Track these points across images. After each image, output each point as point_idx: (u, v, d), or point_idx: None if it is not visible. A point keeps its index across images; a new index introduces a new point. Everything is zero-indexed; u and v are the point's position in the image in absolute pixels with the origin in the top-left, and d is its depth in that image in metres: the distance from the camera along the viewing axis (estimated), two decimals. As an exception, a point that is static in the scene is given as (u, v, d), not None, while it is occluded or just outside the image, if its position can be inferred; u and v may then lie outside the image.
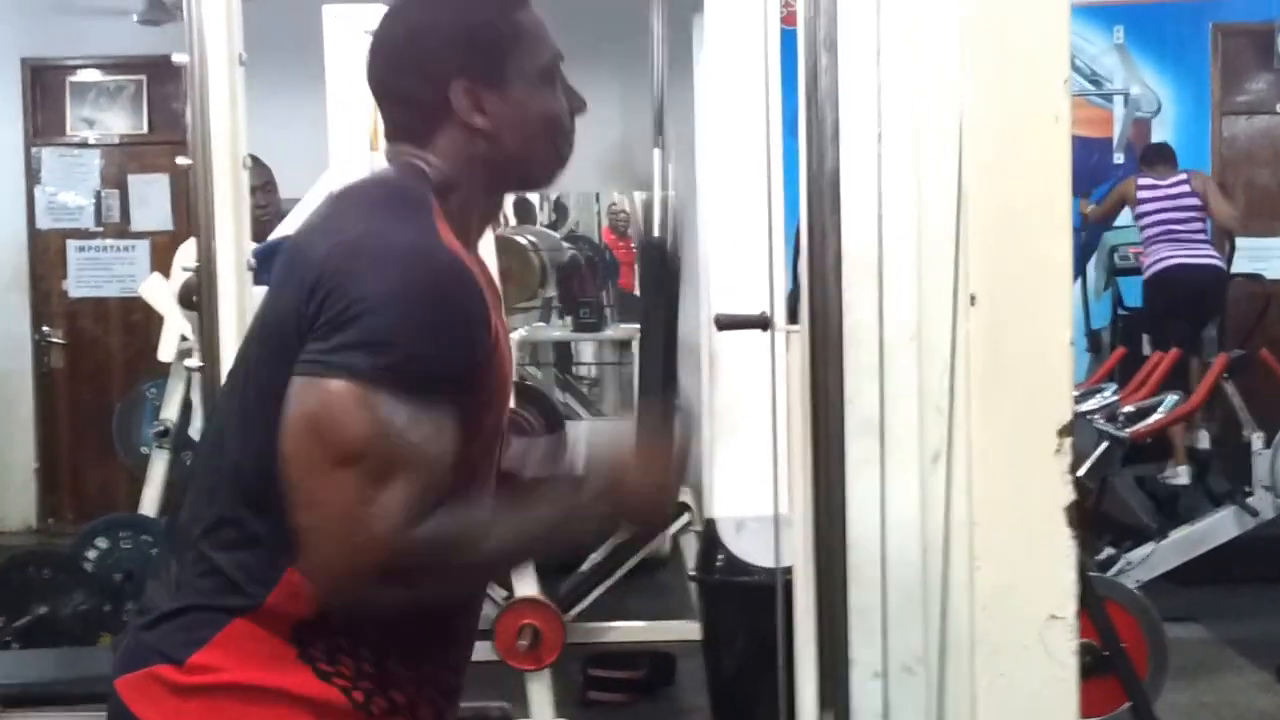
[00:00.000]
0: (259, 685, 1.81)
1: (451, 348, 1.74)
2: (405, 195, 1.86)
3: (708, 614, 5.59)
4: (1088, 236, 8.37)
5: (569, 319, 8.22)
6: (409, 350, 1.71)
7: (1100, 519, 5.87)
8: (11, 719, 4.42)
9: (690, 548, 6.38)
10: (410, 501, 1.68)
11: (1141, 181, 8.00)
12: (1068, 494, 1.86)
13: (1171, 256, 7.74)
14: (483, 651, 5.20)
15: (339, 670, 1.83)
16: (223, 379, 2.15)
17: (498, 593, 5.60)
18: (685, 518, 6.38)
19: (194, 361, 3.90)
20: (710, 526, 5.28)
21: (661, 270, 1.89)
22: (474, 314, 1.78)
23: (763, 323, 3.66)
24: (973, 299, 1.83)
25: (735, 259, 4.81)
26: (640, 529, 1.91)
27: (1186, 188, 7.86)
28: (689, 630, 5.92)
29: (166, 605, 1.88)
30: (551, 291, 8.30)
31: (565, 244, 8.51)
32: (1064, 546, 1.84)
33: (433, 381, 1.72)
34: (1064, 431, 1.84)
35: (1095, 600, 4.63)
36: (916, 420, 2.15)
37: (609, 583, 6.66)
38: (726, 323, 3.67)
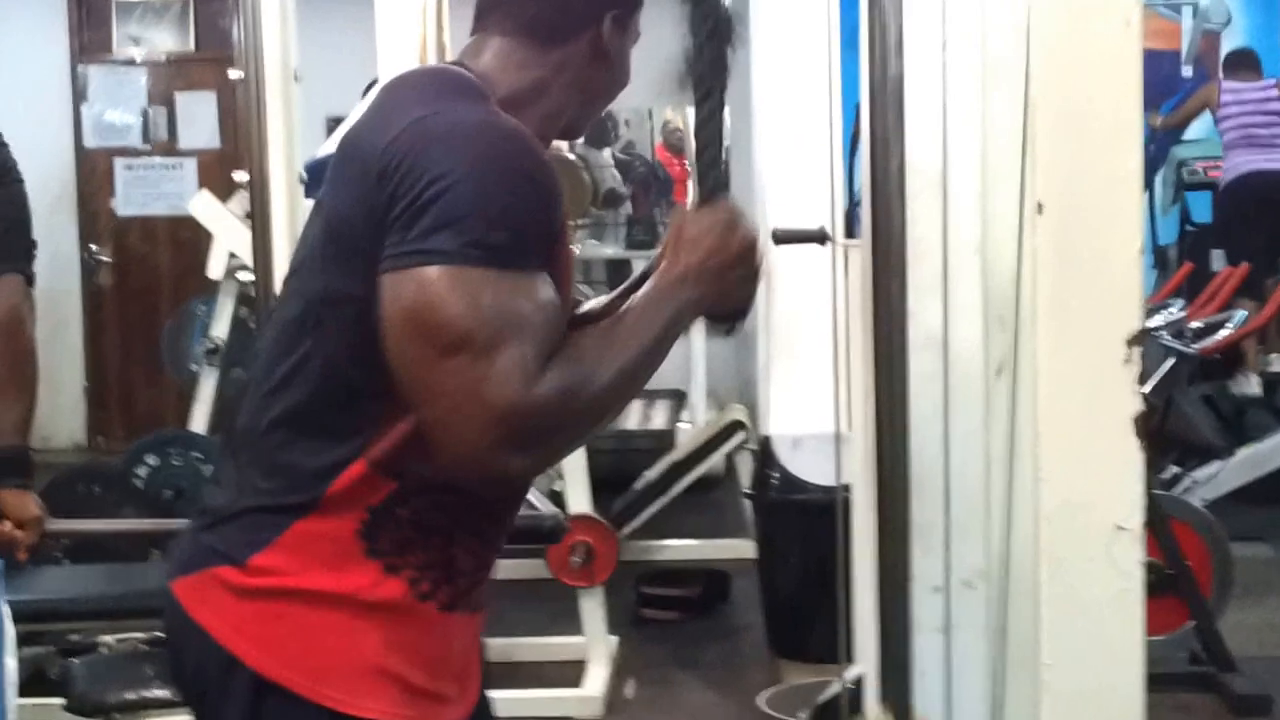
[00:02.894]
0: (321, 590, 1.82)
1: (534, 214, 1.74)
2: (463, 80, 1.86)
3: (763, 532, 5.62)
4: (1155, 151, 8.29)
5: (622, 236, 8.21)
6: (494, 221, 1.70)
7: (1166, 438, 5.85)
8: (63, 634, 4.50)
9: (745, 466, 6.42)
10: (525, 365, 1.68)
11: (1226, 85, 7.89)
12: (1136, 404, 1.86)
13: (1251, 162, 7.63)
14: (535, 569, 5.25)
15: (407, 560, 1.83)
16: (275, 291, 2.18)
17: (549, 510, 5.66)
18: (740, 436, 6.40)
19: (246, 275, 3.94)
20: (766, 445, 5.31)
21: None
22: (550, 183, 1.78)
23: (821, 237, 3.66)
24: (1040, 208, 1.82)
25: (792, 173, 4.80)
26: (731, 305, 1.90)
27: (1275, 92, 7.73)
28: (744, 548, 5.97)
29: (226, 508, 1.89)
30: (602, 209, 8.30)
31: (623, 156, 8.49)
32: (1131, 457, 1.84)
33: (522, 248, 1.71)
34: (1133, 341, 1.84)
35: (1160, 518, 4.63)
36: (980, 334, 2.15)
37: (663, 501, 6.70)
38: (784, 237, 3.68)
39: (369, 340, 1.74)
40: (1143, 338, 1.84)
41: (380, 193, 1.74)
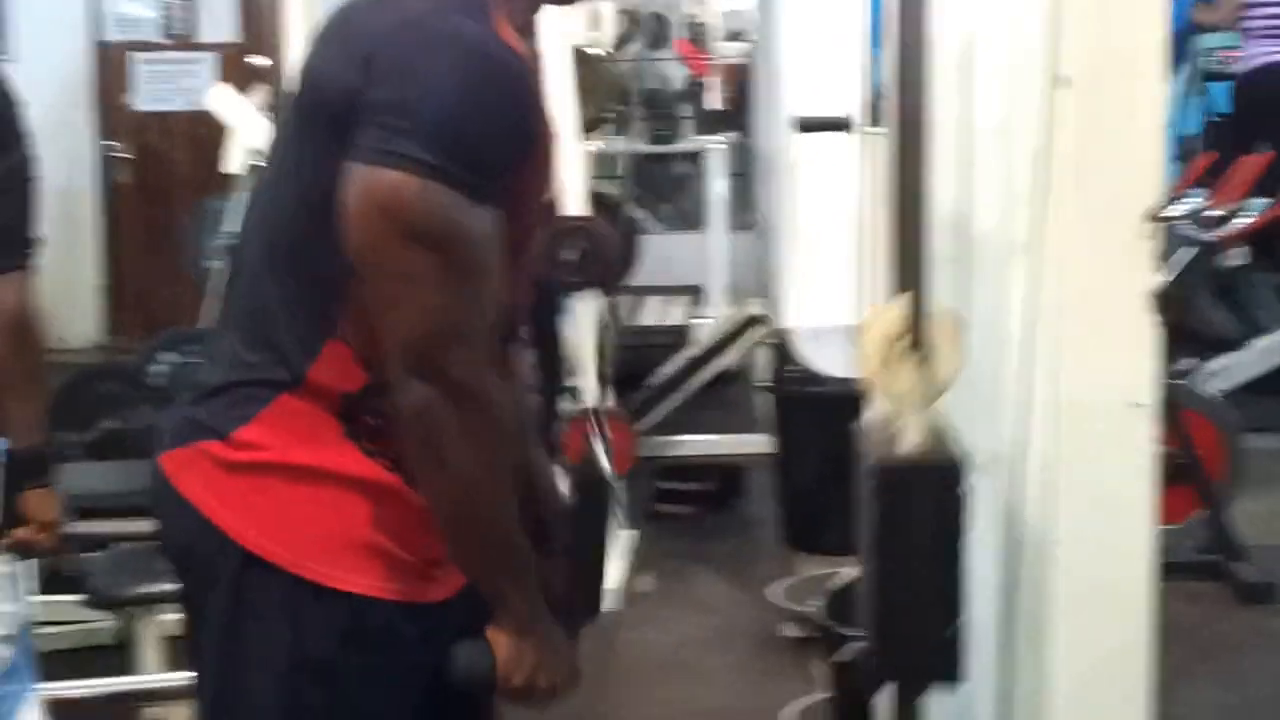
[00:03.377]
0: (304, 465, 1.83)
1: (502, 143, 1.75)
2: None
3: (779, 426, 5.62)
4: (1177, 40, 8.17)
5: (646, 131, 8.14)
6: (462, 143, 1.71)
7: (1181, 329, 5.81)
8: (82, 528, 4.50)
9: (763, 361, 6.39)
10: (456, 300, 1.72)
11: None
12: (1154, 280, 1.83)
13: (1270, 54, 7.50)
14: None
15: (382, 449, 1.83)
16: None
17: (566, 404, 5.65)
18: (758, 330, 6.37)
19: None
20: (784, 338, 5.29)
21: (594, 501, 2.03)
22: (531, 116, 1.79)
23: (845, 125, 3.61)
24: (1066, 81, 1.79)
25: (816, 62, 4.75)
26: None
27: None
28: (759, 444, 5.95)
29: (213, 381, 1.89)
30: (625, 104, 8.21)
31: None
32: (1147, 334, 1.82)
33: (483, 175, 1.73)
34: (1153, 217, 1.81)
35: (1173, 408, 4.60)
36: (1001, 215, 2.12)
37: (680, 396, 6.69)
38: (808, 125, 3.64)
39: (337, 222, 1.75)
40: (1162, 213, 1.81)
41: (363, 75, 1.74)
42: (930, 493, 1.86)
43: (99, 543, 4.16)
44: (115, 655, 4.07)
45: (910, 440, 1.87)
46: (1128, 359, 1.84)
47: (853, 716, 2.87)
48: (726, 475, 6.11)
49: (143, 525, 3.96)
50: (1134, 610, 1.97)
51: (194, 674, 1.94)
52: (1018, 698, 2.05)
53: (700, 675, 4.45)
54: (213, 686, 1.90)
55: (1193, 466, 4.85)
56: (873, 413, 1.99)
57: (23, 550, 2.84)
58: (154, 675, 3.62)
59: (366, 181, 1.71)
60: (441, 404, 1.73)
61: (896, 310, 1.91)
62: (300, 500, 1.83)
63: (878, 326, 1.92)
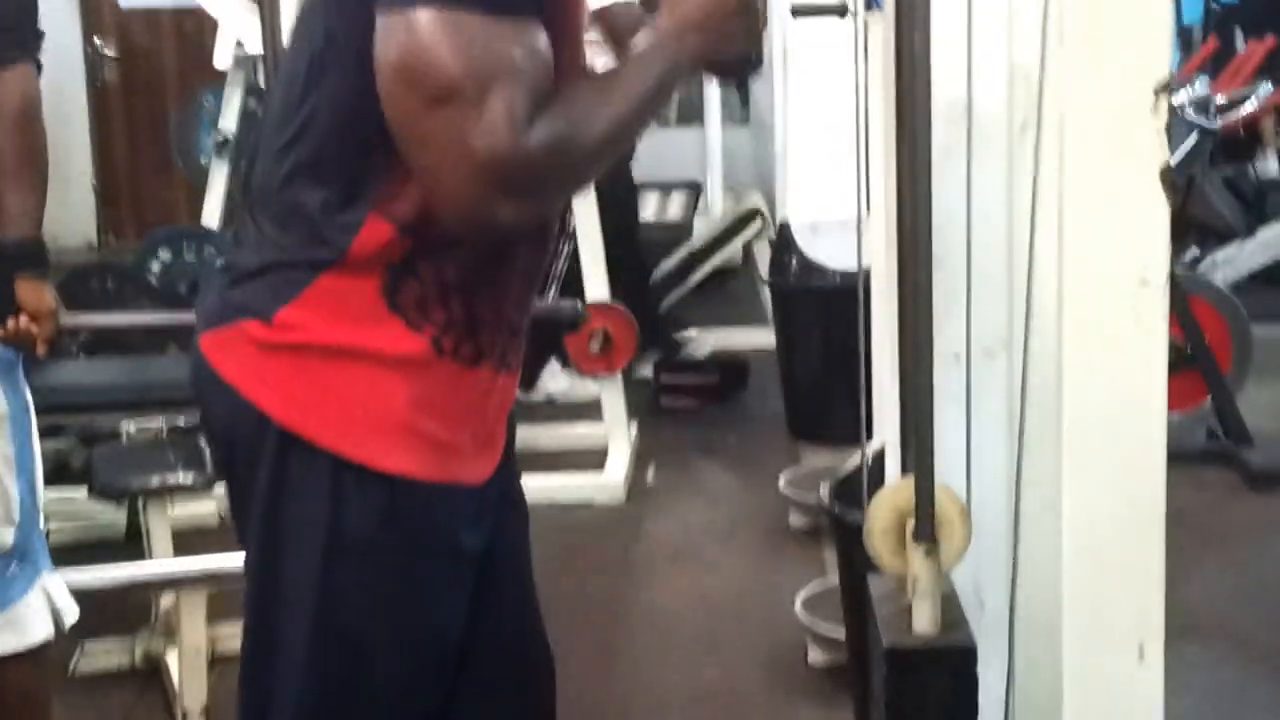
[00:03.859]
0: (346, 346, 1.83)
1: None
2: None
3: (781, 319, 5.65)
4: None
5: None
6: None
7: (1188, 219, 5.84)
8: (84, 421, 4.56)
9: (763, 255, 6.42)
10: (515, 114, 1.68)
11: None
12: (1163, 155, 1.85)
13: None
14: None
15: (429, 318, 1.85)
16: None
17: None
18: (758, 224, 6.40)
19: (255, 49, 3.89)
20: (784, 231, 5.30)
21: None
22: None
23: (841, 9, 3.60)
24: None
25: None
26: (734, 56, 1.90)
27: None
28: (762, 338, 6.00)
29: (251, 263, 1.89)
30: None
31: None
32: (1157, 210, 1.83)
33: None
34: (1161, 89, 1.83)
35: (1180, 296, 4.64)
36: (1005, 94, 2.12)
37: (681, 291, 6.74)
38: (802, 10, 3.62)
39: (373, 87, 1.73)
40: (1170, 84, 1.83)
41: None
42: (942, 677, 1.87)
43: (105, 436, 4.22)
44: (124, 550, 4.14)
45: (921, 622, 1.90)
46: (1136, 236, 1.85)
47: (863, 596, 2.92)
48: (729, 369, 6.15)
49: (146, 419, 4.05)
50: (1144, 493, 2.00)
51: (242, 553, 1.96)
52: (1026, 584, 2.08)
53: (710, 565, 4.52)
54: (257, 566, 1.92)
55: (1200, 354, 4.90)
56: (882, 587, 2.03)
57: (19, 340, 2.87)
58: (165, 563, 3.68)
59: (388, 32, 1.69)
60: (527, 202, 1.73)
61: (903, 493, 1.95)
62: (342, 380, 1.84)
63: (885, 509, 1.96)
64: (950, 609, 1.88)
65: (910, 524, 1.90)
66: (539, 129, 1.69)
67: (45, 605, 2.94)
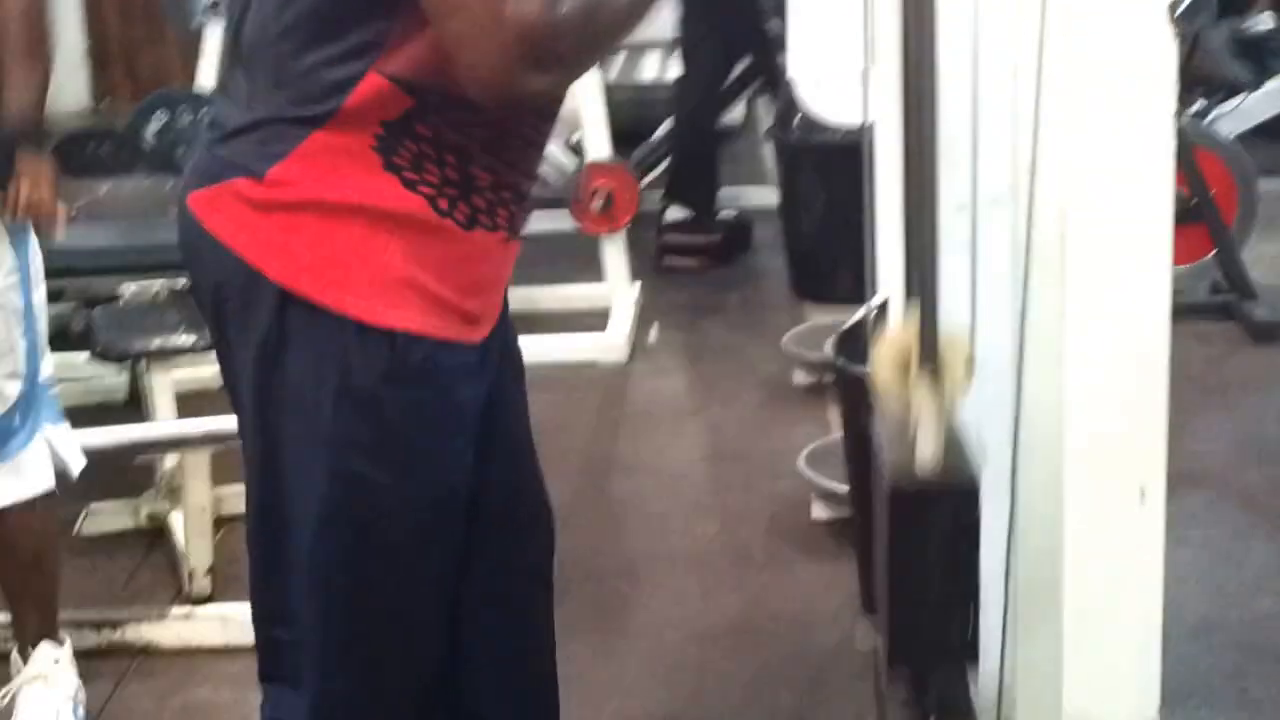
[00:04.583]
0: (342, 203, 1.83)
1: None
2: None
3: (785, 177, 5.64)
4: None
5: None
6: None
7: (1193, 73, 5.81)
8: (82, 285, 4.58)
9: (766, 113, 6.39)
10: None
11: None
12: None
13: None
14: (557, 220, 5.30)
15: (424, 177, 1.84)
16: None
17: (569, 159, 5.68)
18: (760, 79, 6.35)
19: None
20: (787, 88, 5.28)
21: None
22: None
23: None
24: None
25: None
26: None
27: None
28: (765, 196, 5.99)
29: (241, 119, 1.87)
30: None
31: None
32: (1164, 53, 1.83)
33: None
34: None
35: (1185, 146, 4.63)
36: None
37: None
38: None
39: None
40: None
41: None
42: (945, 514, 1.88)
43: (104, 299, 4.23)
44: (125, 414, 4.17)
45: (925, 458, 1.91)
46: (1144, 79, 1.85)
47: (867, 448, 2.95)
48: (732, 228, 6.15)
49: (146, 282, 4.06)
50: (1148, 338, 2.02)
51: (235, 418, 1.98)
52: (1029, 429, 2.11)
53: (714, 422, 4.56)
54: (255, 429, 1.93)
55: (1206, 206, 4.90)
56: (887, 423, 2.03)
57: (23, 210, 2.90)
58: (169, 423, 3.71)
59: None
60: (554, 70, 1.72)
61: (908, 329, 1.94)
62: (338, 237, 1.83)
63: (890, 346, 1.95)
64: (954, 447, 1.90)
65: (915, 361, 1.91)
66: (568, 2, 1.68)
67: (48, 456, 2.99)
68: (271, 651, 2.03)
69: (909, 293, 1.96)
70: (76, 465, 3.05)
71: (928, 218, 2.04)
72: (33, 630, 3.06)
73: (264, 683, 2.06)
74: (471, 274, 1.93)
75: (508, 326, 2.11)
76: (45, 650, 3.05)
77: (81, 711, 3.06)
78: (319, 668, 1.98)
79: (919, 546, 1.87)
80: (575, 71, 1.83)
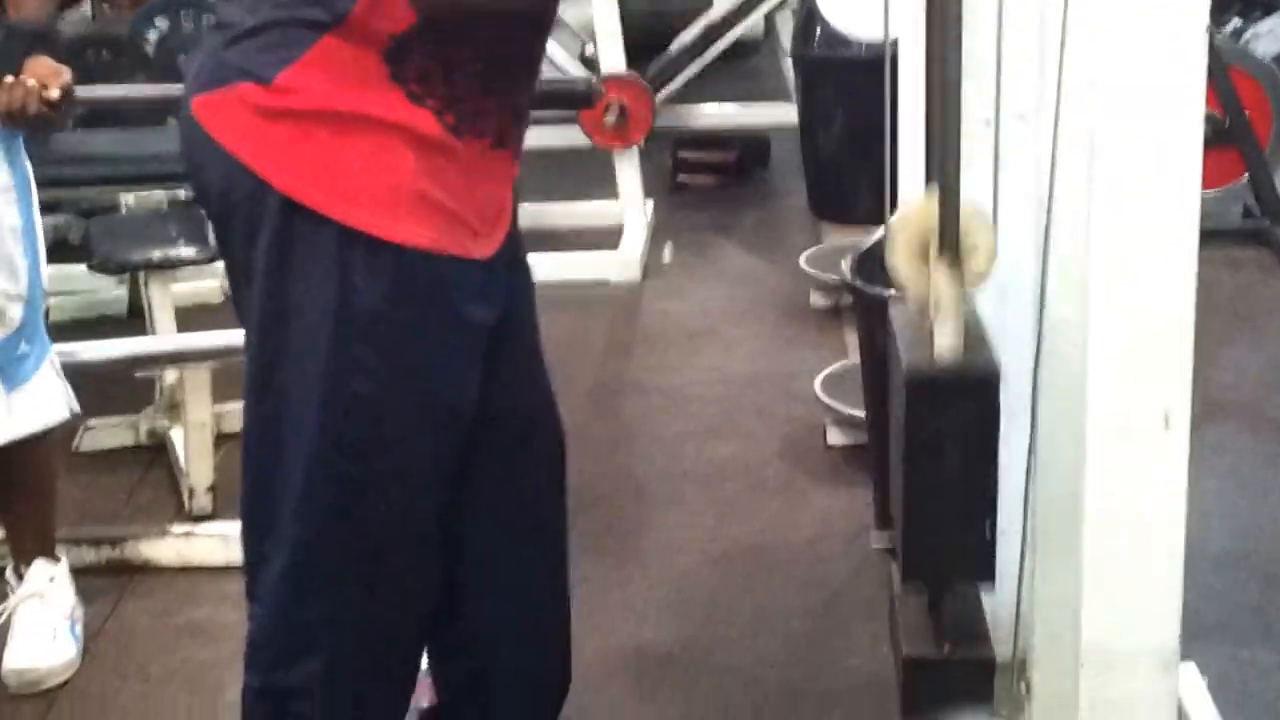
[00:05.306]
0: (352, 113, 1.82)
1: None
2: None
3: (805, 94, 5.61)
4: None
5: None
6: None
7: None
8: (81, 196, 4.57)
9: (786, 26, 6.34)
10: None
11: None
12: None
13: None
14: (570, 137, 5.27)
15: (429, 91, 1.84)
16: None
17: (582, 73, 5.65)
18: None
19: None
20: (808, 1, 5.24)
21: None
22: None
23: None
24: None
25: None
26: None
27: None
28: (784, 114, 5.95)
29: (246, 22, 1.86)
30: None
31: None
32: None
33: None
34: None
35: (1219, 66, 4.59)
36: None
37: (700, 63, 6.65)
38: None
39: None
40: None
41: None
42: (963, 401, 1.85)
43: (103, 210, 4.23)
44: (126, 328, 4.18)
45: (944, 345, 1.87)
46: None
47: (884, 372, 2.95)
48: (750, 146, 6.12)
49: (146, 192, 4.06)
50: (1175, 263, 2.01)
51: (237, 333, 1.99)
52: (1052, 352, 2.10)
53: (729, 344, 4.55)
54: (258, 341, 1.93)
55: (1239, 128, 4.86)
56: (904, 313, 1.99)
57: (29, 103, 2.90)
58: (169, 337, 3.71)
59: None
60: None
61: (926, 209, 1.90)
62: (347, 148, 1.83)
63: (908, 227, 1.91)
64: (973, 335, 1.87)
65: (933, 245, 1.88)
66: None
67: (59, 383, 2.98)
68: (261, 570, 2.04)
69: (928, 177, 1.92)
70: (71, 395, 3.04)
71: (951, 117, 2.00)
72: (29, 549, 3.08)
73: (251, 601, 2.07)
74: (478, 188, 1.92)
75: (518, 243, 2.10)
76: (41, 568, 3.06)
77: (79, 629, 3.08)
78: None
79: (937, 439, 1.83)
80: None
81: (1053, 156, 2.09)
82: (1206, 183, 2.07)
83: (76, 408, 3.04)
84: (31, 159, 3.03)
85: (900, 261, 1.90)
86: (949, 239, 1.86)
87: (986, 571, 1.90)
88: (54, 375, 2.98)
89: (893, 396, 1.95)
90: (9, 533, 3.12)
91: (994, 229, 1.93)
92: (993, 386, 1.84)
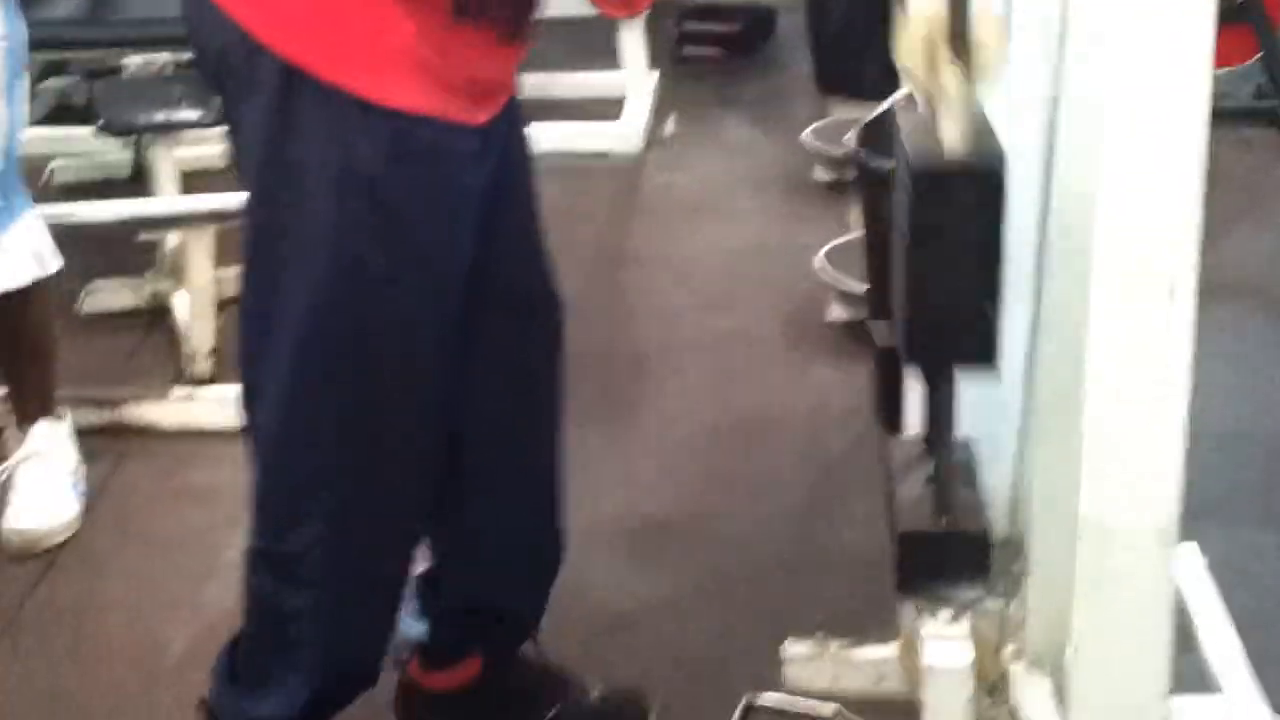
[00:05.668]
0: None
1: None
2: None
3: (812, -36, 5.54)
4: None
5: None
6: None
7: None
8: (86, 57, 4.54)
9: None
10: None
11: None
12: None
13: None
14: (573, 3, 5.20)
15: None
16: None
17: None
18: None
19: None
20: None
21: None
22: None
23: None
24: None
25: None
26: None
27: None
28: (792, -17, 5.89)
29: None
30: None
31: None
32: None
33: None
34: None
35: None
36: None
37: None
38: None
39: None
40: None
41: None
42: (971, 193, 1.83)
43: (108, 72, 4.20)
44: (129, 190, 4.16)
45: (951, 139, 1.85)
46: None
47: (887, 247, 2.93)
48: (755, 16, 6.05)
49: (155, 54, 4.02)
50: (1185, 141, 1.99)
51: (238, 195, 1.98)
52: (1057, 219, 2.09)
53: (732, 216, 4.53)
54: (257, 203, 1.93)
55: (1252, 6, 4.80)
56: (910, 112, 1.96)
57: None
58: (171, 199, 3.70)
59: None
60: None
61: (937, 5, 1.87)
62: (347, 9, 1.82)
63: (917, 24, 1.88)
64: (981, 130, 1.87)
65: (943, 38, 1.86)
66: None
67: (27, 247, 2.96)
68: (259, 429, 2.05)
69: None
70: (54, 261, 3.02)
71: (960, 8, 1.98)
72: (31, 409, 3.09)
73: (252, 463, 2.08)
74: (479, 66, 1.90)
75: (517, 112, 2.10)
76: (42, 427, 3.08)
77: (83, 486, 3.10)
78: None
79: (942, 229, 1.81)
80: None
81: (1062, 19, 2.08)
82: (1218, 61, 2.05)
83: (54, 267, 3.02)
84: (34, 18, 3.00)
85: (908, 56, 1.89)
86: (958, 32, 1.84)
87: (988, 354, 1.88)
88: (24, 240, 2.95)
89: (897, 201, 1.93)
90: (10, 392, 3.13)
91: (1004, 24, 1.89)
92: (1000, 176, 1.82)
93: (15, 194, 2.94)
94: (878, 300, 3.18)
